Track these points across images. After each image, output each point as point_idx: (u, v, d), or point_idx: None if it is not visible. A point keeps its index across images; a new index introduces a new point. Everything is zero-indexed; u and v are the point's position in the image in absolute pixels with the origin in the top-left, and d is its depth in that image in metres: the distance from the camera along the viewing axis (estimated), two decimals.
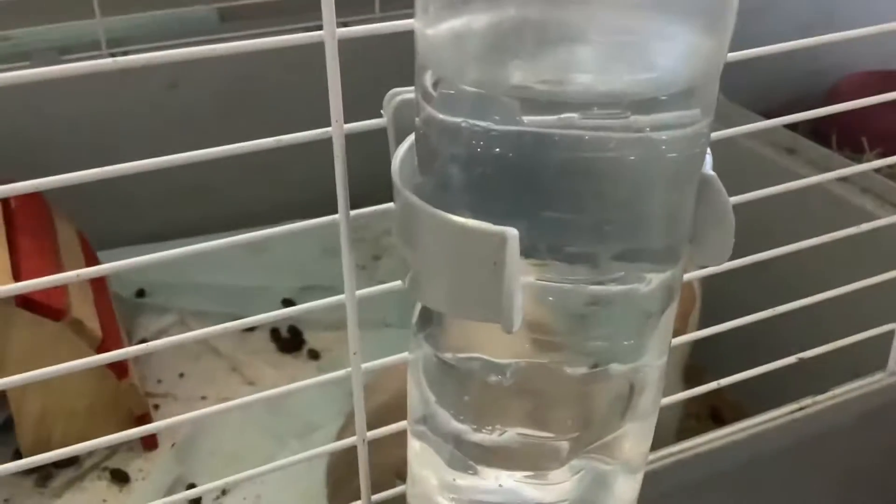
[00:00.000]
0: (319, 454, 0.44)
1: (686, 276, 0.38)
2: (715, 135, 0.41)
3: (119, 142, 0.89)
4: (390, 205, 0.32)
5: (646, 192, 0.29)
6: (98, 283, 0.79)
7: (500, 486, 0.34)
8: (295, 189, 0.94)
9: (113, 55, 0.89)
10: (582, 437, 0.33)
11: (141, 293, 0.92)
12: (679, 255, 0.31)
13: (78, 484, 0.73)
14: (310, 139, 0.35)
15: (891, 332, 0.55)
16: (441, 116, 0.28)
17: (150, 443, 0.75)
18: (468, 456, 0.33)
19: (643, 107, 0.27)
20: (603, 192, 0.28)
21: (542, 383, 0.32)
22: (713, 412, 0.80)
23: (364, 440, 0.42)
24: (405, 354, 0.37)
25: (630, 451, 0.35)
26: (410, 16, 0.29)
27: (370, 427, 0.42)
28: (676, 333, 0.39)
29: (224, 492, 0.72)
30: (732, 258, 0.34)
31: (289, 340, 0.88)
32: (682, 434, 0.54)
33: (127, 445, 0.75)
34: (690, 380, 0.68)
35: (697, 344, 0.51)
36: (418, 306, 0.33)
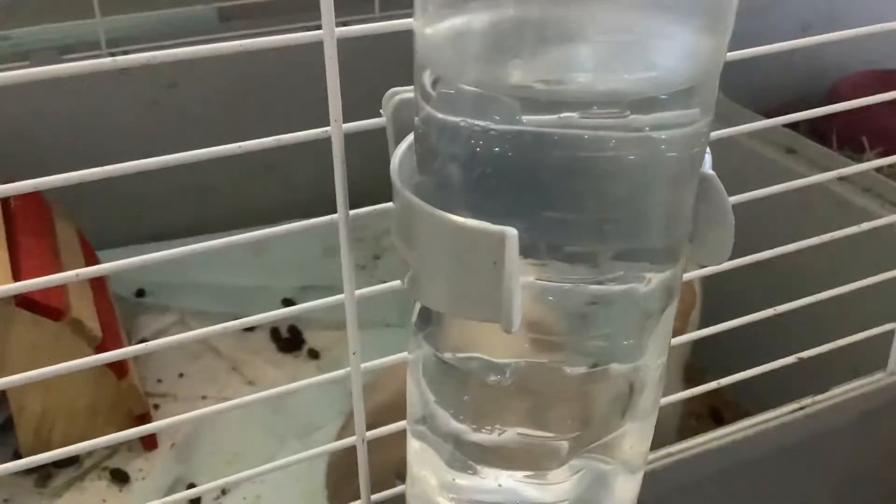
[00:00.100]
0: (319, 454, 0.44)
1: (686, 276, 0.38)
2: (715, 134, 0.41)
3: (119, 141, 0.89)
4: (390, 204, 0.32)
5: (645, 191, 0.29)
6: (98, 283, 0.79)
7: (500, 485, 0.34)
8: (294, 189, 0.94)
9: (113, 55, 0.89)
10: (582, 436, 0.33)
11: (141, 293, 0.92)
12: (679, 254, 0.31)
13: (78, 484, 0.73)
14: (309, 139, 0.35)
15: (891, 332, 0.55)
16: (440, 116, 0.28)
17: (149, 443, 0.75)
18: (468, 456, 0.33)
19: (643, 106, 0.27)
20: (602, 192, 0.28)
21: (542, 383, 0.32)
22: (713, 412, 0.80)
23: (363, 440, 0.42)
24: (405, 354, 0.37)
25: (630, 450, 0.35)
26: (410, 15, 0.29)
27: (370, 426, 0.42)
28: (676, 333, 0.39)
29: (224, 491, 0.72)
30: (732, 258, 0.34)
31: (289, 340, 0.88)
32: (683, 434, 0.54)
33: (127, 445, 0.75)
34: (690, 379, 0.68)
35: (698, 343, 0.51)
36: (418, 306, 0.33)
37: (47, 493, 0.72)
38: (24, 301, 0.66)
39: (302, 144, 0.35)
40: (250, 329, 0.88)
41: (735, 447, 0.51)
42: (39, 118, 0.89)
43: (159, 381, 0.83)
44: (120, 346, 0.75)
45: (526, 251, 0.27)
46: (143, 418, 0.74)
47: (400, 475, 0.41)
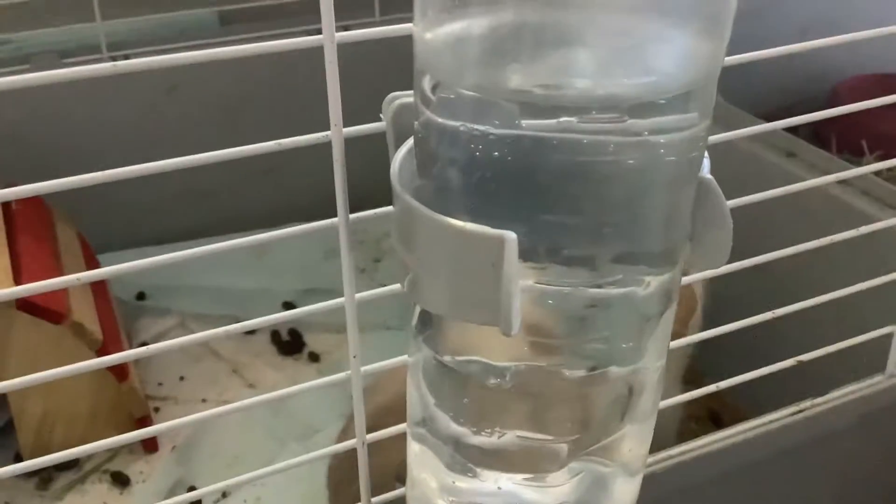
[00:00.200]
0: (320, 457, 0.44)
1: (686, 280, 0.38)
2: (713, 138, 0.41)
3: (119, 145, 0.89)
4: (390, 208, 0.32)
5: (644, 195, 0.29)
6: (98, 286, 0.79)
7: (500, 488, 0.34)
8: (295, 192, 0.94)
9: (113, 58, 0.89)
10: (581, 439, 0.33)
11: (141, 296, 0.92)
12: (677, 257, 0.31)
13: (79, 486, 0.73)
14: (309, 143, 0.35)
15: (890, 335, 0.55)
16: (440, 120, 0.28)
17: (150, 445, 0.75)
18: (467, 458, 0.33)
19: (641, 110, 0.27)
20: (601, 196, 0.28)
21: (541, 386, 0.32)
22: (712, 415, 0.80)
23: (363, 443, 0.42)
24: (405, 357, 0.37)
25: (629, 453, 0.35)
26: (410, 20, 0.29)
27: (370, 428, 0.42)
28: (677, 338, 0.39)
29: (224, 494, 0.72)
30: (731, 261, 0.34)
31: (289, 343, 0.88)
32: (682, 437, 0.54)
33: (127, 448, 0.75)
34: (690, 382, 0.68)
35: (698, 347, 0.51)
36: (418, 309, 0.33)
37: (48, 496, 0.72)
38: (25, 304, 0.66)
39: (302, 148, 0.35)
40: (251, 332, 0.88)
41: (735, 450, 0.51)
42: (40, 121, 0.89)
43: (160, 383, 0.83)
44: (121, 349, 0.75)
45: (525, 255, 0.28)
46: (144, 421, 0.74)
47: (400, 478, 0.41)
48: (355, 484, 0.44)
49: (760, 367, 0.51)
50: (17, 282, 0.68)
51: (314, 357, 0.87)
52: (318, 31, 0.32)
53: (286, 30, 0.92)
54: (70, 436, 0.73)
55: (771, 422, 0.52)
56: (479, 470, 0.34)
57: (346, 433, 0.64)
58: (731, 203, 0.32)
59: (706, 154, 0.31)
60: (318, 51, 0.33)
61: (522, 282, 0.28)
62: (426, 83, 0.29)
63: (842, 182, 0.72)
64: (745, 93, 0.78)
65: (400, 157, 0.31)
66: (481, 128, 0.27)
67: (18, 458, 0.73)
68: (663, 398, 0.37)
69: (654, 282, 0.30)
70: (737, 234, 0.32)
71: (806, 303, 0.50)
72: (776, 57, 0.42)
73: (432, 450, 0.35)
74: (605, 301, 0.30)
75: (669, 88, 0.27)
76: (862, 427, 0.56)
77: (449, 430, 0.33)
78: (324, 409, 0.77)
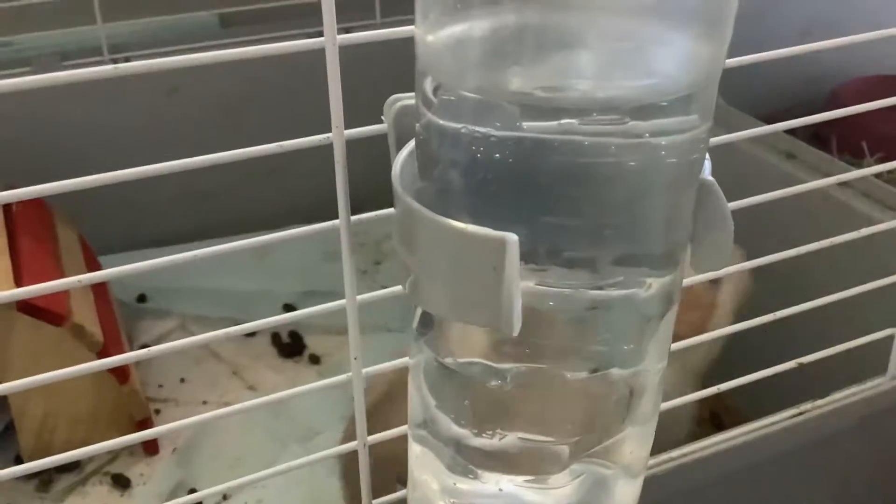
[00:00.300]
0: (320, 459, 0.44)
1: (687, 281, 0.38)
2: (714, 140, 0.41)
3: (120, 147, 0.89)
4: (391, 210, 0.32)
5: (645, 197, 0.29)
6: (99, 288, 0.79)
7: (501, 490, 0.34)
8: (296, 194, 0.94)
9: (114, 61, 0.90)
10: (582, 441, 0.33)
11: (142, 298, 0.92)
12: (678, 260, 0.31)
13: (79, 489, 0.73)
14: (311, 145, 0.35)
15: (891, 337, 0.55)
16: (441, 122, 0.28)
17: (151, 447, 0.75)
18: (469, 460, 0.33)
19: (642, 112, 0.27)
20: (602, 198, 0.28)
21: (543, 388, 0.32)
22: (713, 417, 0.80)
23: (365, 444, 0.42)
24: (406, 359, 0.37)
25: (630, 455, 0.35)
26: (411, 22, 0.29)
27: (370, 422, 0.42)
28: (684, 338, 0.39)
29: (225, 496, 0.72)
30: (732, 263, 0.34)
31: (289, 345, 0.88)
32: (683, 439, 0.54)
33: (128, 450, 0.75)
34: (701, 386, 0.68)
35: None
36: (419, 311, 0.33)
37: (49, 498, 0.72)
38: (26, 306, 0.66)
39: (303, 150, 0.35)
40: (251, 334, 0.88)
41: (736, 452, 0.51)
42: (41, 123, 0.89)
43: (160, 385, 0.83)
44: (121, 351, 0.75)
45: (526, 256, 0.28)
46: (145, 423, 0.74)
47: (401, 479, 0.41)
48: (374, 477, 0.43)
49: (761, 368, 0.51)
50: (18, 284, 0.68)
51: (315, 359, 0.87)
52: (320, 34, 0.32)
53: (287, 32, 0.92)
54: (71, 438, 0.73)
55: (772, 424, 0.53)
56: (480, 472, 0.34)
57: (351, 433, 0.63)
58: (732, 205, 0.32)
59: (707, 156, 0.31)
60: (319, 53, 0.33)
61: (523, 283, 0.28)
62: (428, 85, 0.29)
63: (842, 184, 0.72)
64: (745, 95, 0.78)
65: (401, 159, 0.31)
66: (483, 130, 0.27)
67: (19, 460, 0.73)
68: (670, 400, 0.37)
69: (655, 283, 0.31)
70: (737, 236, 0.32)
71: (806, 305, 0.50)
72: (777, 59, 0.42)
73: (433, 451, 0.35)
74: (606, 303, 0.30)
75: (670, 91, 0.27)
76: (863, 429, 0.56)
77: (450, 432, 0.33)
78: (325, 411, 0.77)
